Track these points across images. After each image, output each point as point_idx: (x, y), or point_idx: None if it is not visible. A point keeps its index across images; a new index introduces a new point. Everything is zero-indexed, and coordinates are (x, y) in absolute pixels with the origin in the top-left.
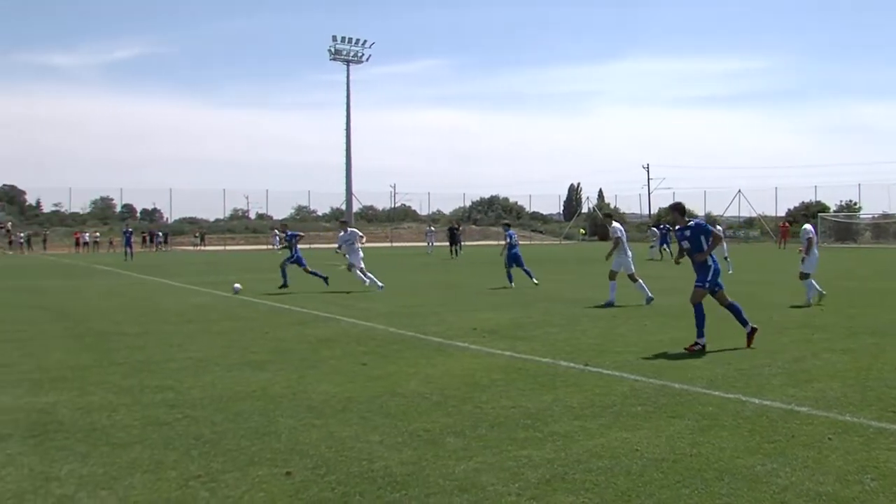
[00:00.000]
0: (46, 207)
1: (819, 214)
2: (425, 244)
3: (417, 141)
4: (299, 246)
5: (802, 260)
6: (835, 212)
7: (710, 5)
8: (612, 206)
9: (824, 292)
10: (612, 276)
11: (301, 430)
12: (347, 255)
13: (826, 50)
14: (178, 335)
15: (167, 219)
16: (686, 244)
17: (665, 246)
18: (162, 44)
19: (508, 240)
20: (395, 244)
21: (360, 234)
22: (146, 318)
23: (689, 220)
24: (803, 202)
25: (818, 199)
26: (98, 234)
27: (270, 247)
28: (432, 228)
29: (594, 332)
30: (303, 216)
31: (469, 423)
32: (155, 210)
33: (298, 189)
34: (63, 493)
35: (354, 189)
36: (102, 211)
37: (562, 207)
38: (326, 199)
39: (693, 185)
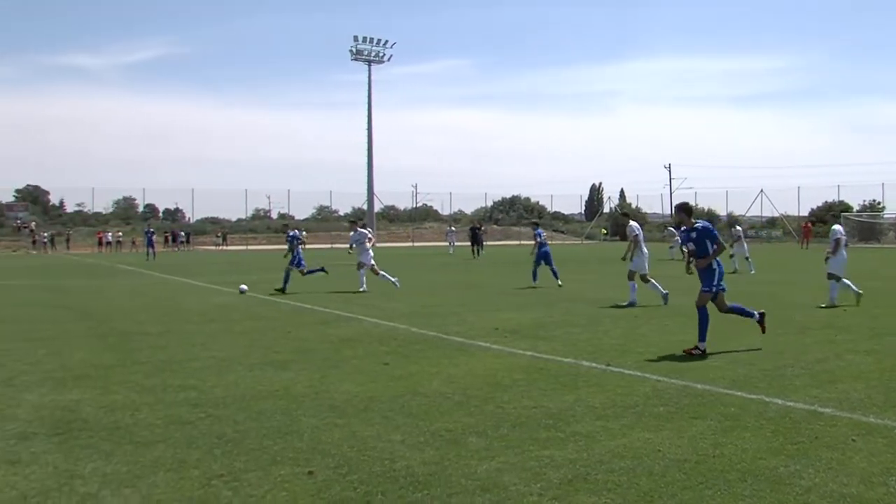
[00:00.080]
0: (70, 207)
1: (842, 214)
2: (446, 244)
3: (439, 141)
4: (302, 247)
5: (826, 259)
6: (858, 211)
7: (732, 4)
8: (633, 206)
9: (861, 292)
10: (631, 276)
11: (323, 430)
12: (359, 255)
13: (849, 48)
14: (200, 334)
15: (189, 218)
16: (692, 246)
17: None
18: (184, 44)
19: (538, 238)
20: (416, 244)
21: (369, 234)
22: (168, 318)
23: (696, 222)
24: (826, 202)
25: (841, 199)
26: (121, 233)
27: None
28: (453, 228)
29: (616, 333)
30: (324, 216)
31: (491, 423)
32: (177, 210)
33: (320, 189)
34: (87, 491)
35: (376, 189)
36: (125, 211)
37: (583, 207)
38: (348, 199)
39: (715, 184)
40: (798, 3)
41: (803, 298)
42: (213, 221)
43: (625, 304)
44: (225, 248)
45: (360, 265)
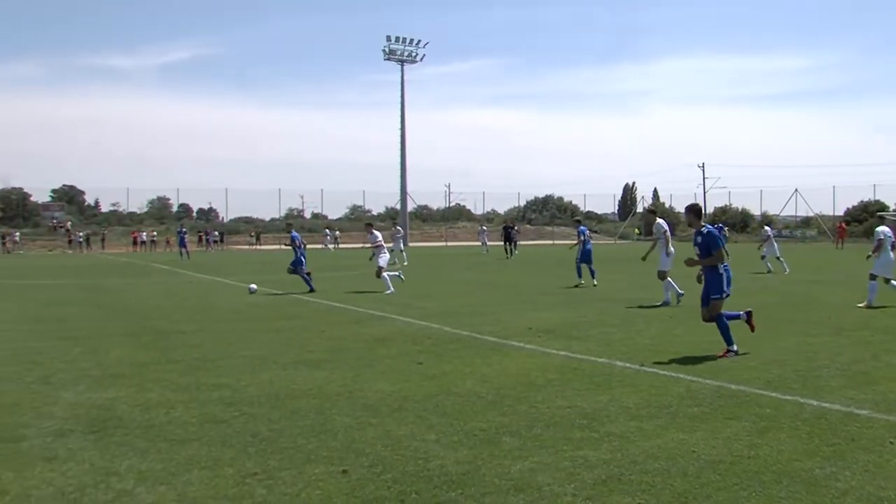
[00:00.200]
0: (105, 207)
1: (877, 213)
2: (479, 244)
3: (472, 140)
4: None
5: (868, 257)
6: (894, 210)
7: (767, 1)
8: (667, 205)
9: None
10: (662, 276)
11: (357, 429)
12: (375, 257)
13: (884, 46)
14: (234, 333)
15: (223, 218)
16: (697, 249)
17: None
18: (217, 45)
19: (581, 236)
20: (449, 243)
21: (379, 238)
22: (202, 317)
23: (704, 226)
24: (862, 201)
25: (877, 198)
26: (155, 233)
27: (323, 246)
28: (484, 228)
29: (650, 333)
30: (357, 216)
31: (525, 422)
32: (211, 209)
33: (353, 189)
34: (122, 488)
35: (409, 188)
36: (159, 210)
37: (617, 207)
38: (381, 199)
39: (749, 184)
40: (833, 1)
41: (838, 299)
42: (247, 221)
43: (658, 303)
44: (258, 247)
45: (380, 269)
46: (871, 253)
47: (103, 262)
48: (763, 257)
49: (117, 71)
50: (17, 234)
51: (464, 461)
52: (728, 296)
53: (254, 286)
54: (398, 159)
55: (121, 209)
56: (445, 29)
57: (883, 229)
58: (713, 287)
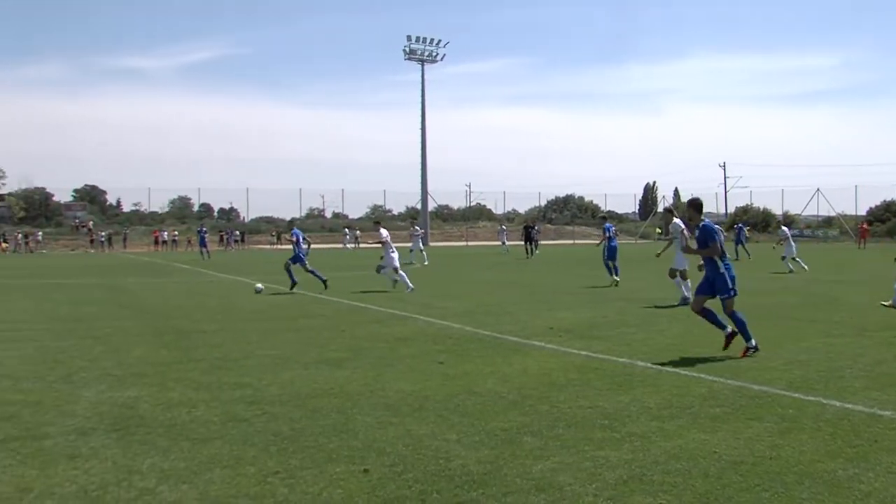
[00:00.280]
0: (126, 207)
1: None
2: (499, 243)
3: (492, 140)
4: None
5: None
6: None
7: (786, 0)
8: None
9: None
10: (684, 275)
11: (378, 428)
12: (382, 256)
13: None
14: (255, 333)
15: (244, 218)
16: (695, 244)
17: (741, 245)
18: (238, 45)
19: (606, 233)
20: (470, 243)
21: (385, 236)
22: (223, 316)
23: (703, 221)
24: (884, 201)
25: None
26: (176, 232)
27: (342, 246)
28: (504, 227)
29: (671, 332)
30: (378, 215)
31: (546, 422)
32: (232, 209)
33: (374, 189)
34: (145, 486)
35: (430, 188)
36: (181, 210)
37: (637, 206)
38: (402, 199)
39: (770, 183)
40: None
41: (861, 299)
42: (268, 221)
43: (677, 303)
44: (279, 247)
45: (395, 270)
46: None
47: (125, 262)
48: (783, 258)
49: (138, 72)
50: (40, 233)
51: (485, 461)
52: (736, 294)
53: (260, 286)
54: (419, 159)
55: (142, 209)
56: (466, 28)
57: None
58: (720, 288)
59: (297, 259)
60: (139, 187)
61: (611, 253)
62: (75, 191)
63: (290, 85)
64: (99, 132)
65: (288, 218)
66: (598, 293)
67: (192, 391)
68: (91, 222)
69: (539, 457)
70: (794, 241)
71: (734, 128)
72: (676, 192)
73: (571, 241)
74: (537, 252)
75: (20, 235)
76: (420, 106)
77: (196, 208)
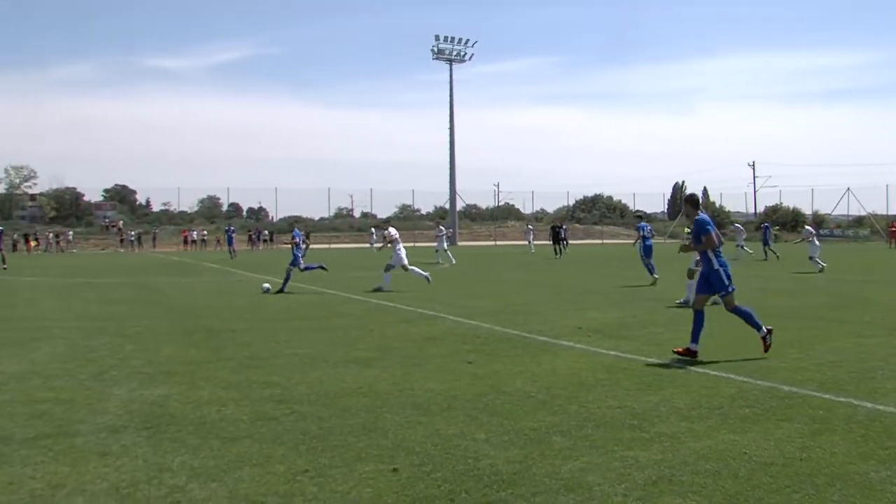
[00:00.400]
0: (156, 206)
1: None
2: (526, 243)
3: (520, 139)
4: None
5: None
6: None
7: None
8: (717, 204)
9: None
10: (691, 274)
11: (407, 427)
12: (394, 254)
13: None
14: (283, 332)
15: (273, 217)
16: (692, 239)
17: (767, 245)
18: (266, 45)
19: (641, 232)
20: (498, 242)
21: (390, 234)
22: (252, 315)
23: (699, 215)
24: None
25: None
26: (206, 232)
27: (369, 245)
28: (531, 227)
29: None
30: (406, 215)
31: (575, 422)
32: (261, 209)
33: (402, 188)
34: (175, 484)
35: (458, 188)
36: (210, 210)
37: (666, 206)
38: (430, 198)
39: (800, 182)
40: None
41: (892, 300)
42: (297, 220)
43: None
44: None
45: (404, 267)
46: None
47: (154, 261)
48: (811, 258)
49: (168, 72)
50: (71, 233)
51: (514, 460)
52: (734, 289)
53: (267, 285)
54: (447, 158)
55: (172, 208)
56: (494, 28)
57: None
58: (717, 284)
59: (295, 262)
60: (169, 187)
61: (647, 251)
62: (105, 191)
63: (318, 85)
64: (129, 132)
65: (317, 217)
66: (627, 293)
67: (222, 390)
68: (121, 222)
69: (568, 457)
70: (819, 241)
71: (764, 126)
72: (705, 191)
73: (600, 241)
74: (566, 251)
75: (51, 235)
76: (448, 105)
77: (225, 208)
